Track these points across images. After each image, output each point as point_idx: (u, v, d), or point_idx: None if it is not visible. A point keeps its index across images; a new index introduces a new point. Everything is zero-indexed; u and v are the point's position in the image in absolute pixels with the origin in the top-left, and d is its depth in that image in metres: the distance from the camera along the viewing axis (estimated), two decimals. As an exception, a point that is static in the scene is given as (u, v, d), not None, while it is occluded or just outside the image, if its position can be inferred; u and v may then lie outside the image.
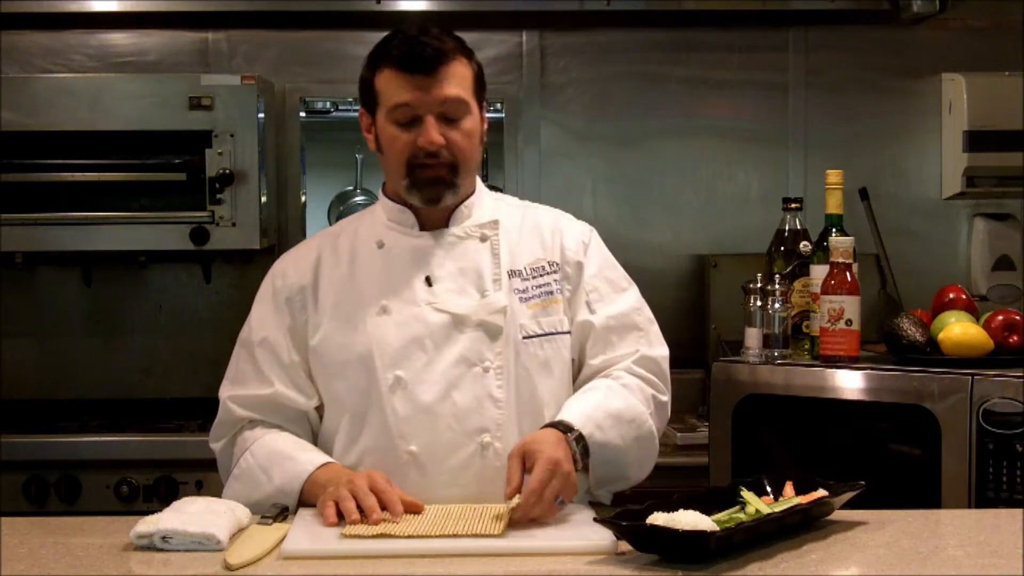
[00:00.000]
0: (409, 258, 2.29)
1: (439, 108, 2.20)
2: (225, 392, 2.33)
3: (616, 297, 2.36)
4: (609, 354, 2.33)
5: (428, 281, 2.27)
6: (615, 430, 2.22)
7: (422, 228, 2.31)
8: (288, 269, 2.35)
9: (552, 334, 2.29)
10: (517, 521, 2.00)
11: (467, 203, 2.33)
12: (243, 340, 2.35)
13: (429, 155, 2.21)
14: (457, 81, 2.21)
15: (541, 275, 2.31)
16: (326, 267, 2.32)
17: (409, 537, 1.94)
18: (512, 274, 2.30)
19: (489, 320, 2.24)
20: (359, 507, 2.03)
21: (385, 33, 3.91)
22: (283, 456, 2.23)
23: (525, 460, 2.07)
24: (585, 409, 2.22)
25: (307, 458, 2.22)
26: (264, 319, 2.33)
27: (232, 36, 3.98)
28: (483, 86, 2.30)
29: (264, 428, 2.30)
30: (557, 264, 2.33)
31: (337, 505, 2.04)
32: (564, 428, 2.16)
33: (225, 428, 2.33)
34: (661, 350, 2.38)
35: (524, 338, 2.26)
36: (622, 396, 2.28)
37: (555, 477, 2.05)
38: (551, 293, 2.30)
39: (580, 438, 2.16)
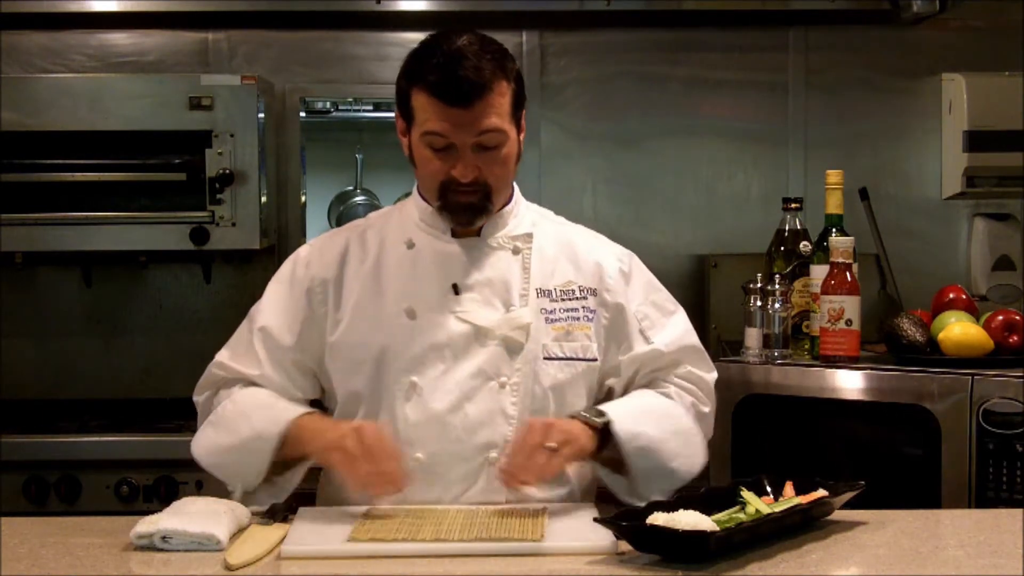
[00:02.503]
0: (438, 263, 2.26)
1: (475, 140, 2.15)
2: (218, 356, 2.32)
3: (666, 322, 2.35)
4: (659, 375, 2.33)
5: (455, 289, 2.24)
6: (647, 421, 2.21)
7: (454, 234, 2.27)
8: (313, 259, 2.32)
9: (572, 359, 2.26)
10: (506, 471, 2.06)
11: (502, 212, 2.29)
12: (250, 315, 2.34)
13: (463, 183, 2.17)
14: (495, 111, 2.14)
15: (570, 299, 2.28)
16: (352, 261, 2.29)
17: (436, 541, 1.94)
18: (541, 293, 2.27)
19: (511, 336, 2.22)
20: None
21: (385, 33, 3.98)
22: (264, 404, 2.23)
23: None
24: (612, 403, 2.24)
25: (287, 406, 2.21)
26: (275, 304, 2.31)
27: (232, 36, 3.98)
28: (521, 99, 2.23)
29: (247, 384, 2.29)
30: (591, 290, 2.29)
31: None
32: (585, 410, 2.19)
33: (206, 386, 2.33)
34: (710, 373, 2.38)
35: (545, 359, 2.24)
36: (654, 397, 2.29)
37: (560, 438, 2.08)
38: (578, 319, 2.27)
39: (601, 414, 2.16)
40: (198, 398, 2.35)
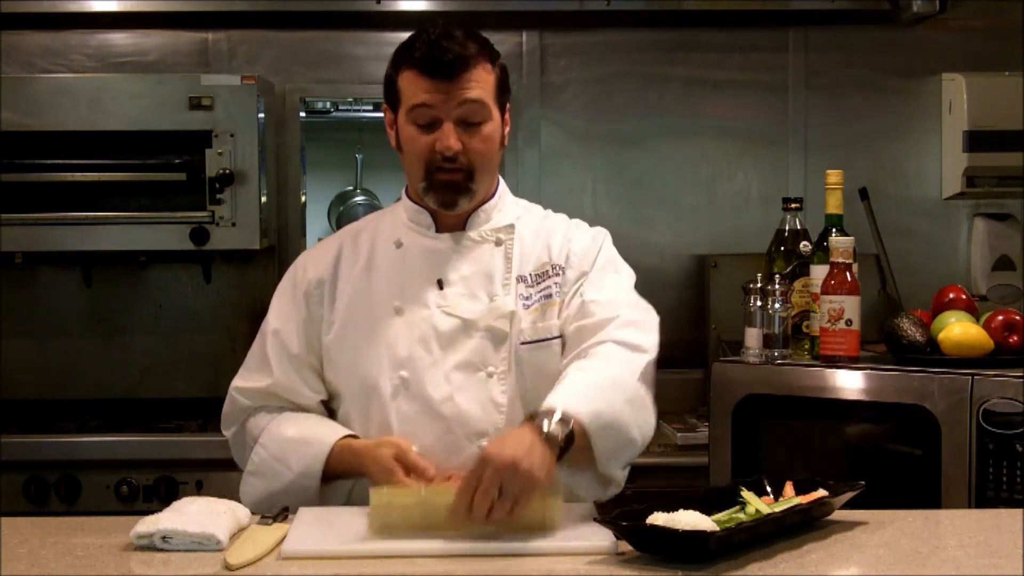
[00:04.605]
0: (424, 259, 2.30)
1: (458, 112, 2.20)
2: (233, 382, 2.37)
3: (605, 285, 2.29)
4: (585, 319, 2.24)
5: (440, 284, 2.28)
6: (600, 397, 2.12)
7: (439, 230, 2.31)
8: (309, 264, 2.37)
9: (546, 339, 2.27)
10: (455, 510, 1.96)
11: (485, 207, 2.32)
12: (261, 329, 2.38)
13: (447, 159, 2.21)
14: (478, 86, 2.21)
15: (543, 279, 2.30)
16: (345, 263, 2.34)
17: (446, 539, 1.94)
18: (519, 279, 2.30)
19: (495, 325, 2.25)
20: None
21: (385, 33, 3.98)
22: (296, 442, 2.26)
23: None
24: (566, 391, 2.13)
25: (320, 437, 2.25)
26: (280, 310, 2.35)
27: (232, 36, 3.98)
28: (506, 89, 2.29)
29: (268, 414, 2.32)
30: (560, 267, 2.31)
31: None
32: (544, 414, 2.05)
33: (231, 418, 2.37)
34: (648, 315, 2.29)
35: (522, 343, 2.26)
36: (594, 366, 2.19)
37: (501, 475, 1.95)
38: (550, 296, 2.29)
39: (553, 415, 2.04)
40: (227, 432, 2.38)
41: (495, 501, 1.94)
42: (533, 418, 2.06)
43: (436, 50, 2.18)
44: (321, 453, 2.23)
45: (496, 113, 2.25)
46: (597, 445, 2.13)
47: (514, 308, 2.26)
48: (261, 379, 2.32)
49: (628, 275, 2.37)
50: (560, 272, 2.31)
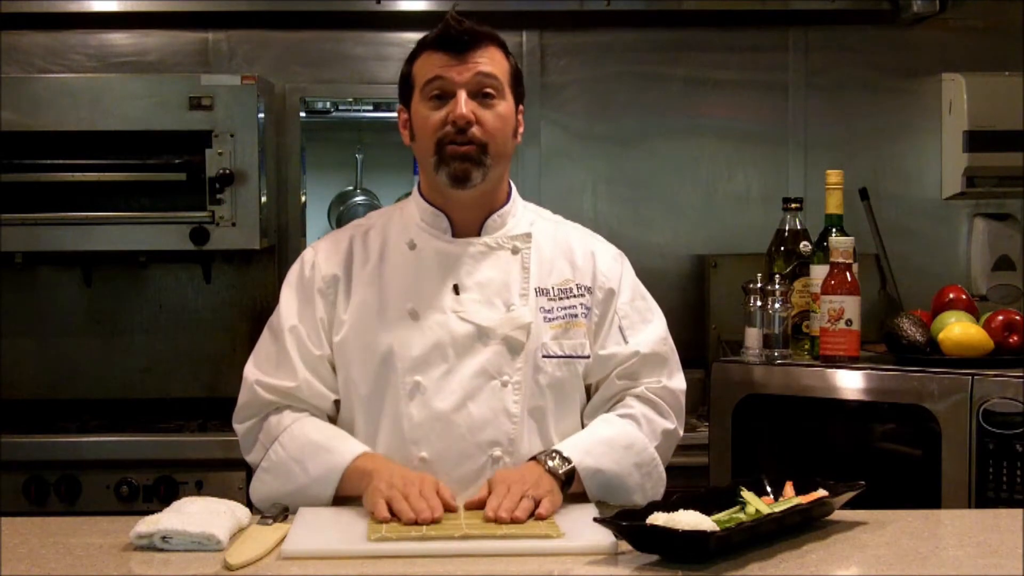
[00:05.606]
0: (439, 263, 2.28)
1: (472, 83, 2.21)
2: (253, 375, 2.29)
3: (645, 328, 2.35)
4: (631, 381, 2.33)
5: (456, 289, 2.26)
6: (608, 456, 2.23)
7: (454, 234, 2.30)
8: (320, 259, 2.32)
9: (571, 357, 2.28)
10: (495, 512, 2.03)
11: (500, 212, 2.32)
12: (272, 326, 2.32)
13: (459, 132, 2.20)
14: (491, 63, 2.23)
15: (568, 297, 2.30)
16: (356, 261, 2.31)
17: (450, 538, 1.94)
18: (539, 292, 2.29)
19: (513, 335, 2.24)
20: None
21: (385, 33, 3.99)
22: (317, 447, 2.21)
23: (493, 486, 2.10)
24: (574, 440, 2.25)
25: (344, 448, 2.21)
26: (294, 307, 2.30)
27: (232, 36, 3.98)
28: (520, 84, 2.30)
29: (292, 413, 2.27)
30: (586, 288, 2.32)
31: (389, 504, 2.04)
32: (546, 455, 2.19)
33: (251, 410, 2.29)
34: (680, 383, 2.39)
35: (544, 356, 2.26)
36: (616, 425, 2.29)
37: (520, 488, 2.07)
38: (575, 316, 2.29)
39: (558, 454, 2.17)
40: (239, 425, 2.32)
41: (519, 501, 2.04)
42: (535, 457, 2.20)
43: (450, 29, 2.22)
44: (341, 462, 2.18)
45: (511, 97, 2.26)
46: (596, 500, 2.21)
47: (531, 320, 2.26)
48: (285, 379, 2.26)
49: (658, 312, 2.41)
50: (586, 292, 2.31)
